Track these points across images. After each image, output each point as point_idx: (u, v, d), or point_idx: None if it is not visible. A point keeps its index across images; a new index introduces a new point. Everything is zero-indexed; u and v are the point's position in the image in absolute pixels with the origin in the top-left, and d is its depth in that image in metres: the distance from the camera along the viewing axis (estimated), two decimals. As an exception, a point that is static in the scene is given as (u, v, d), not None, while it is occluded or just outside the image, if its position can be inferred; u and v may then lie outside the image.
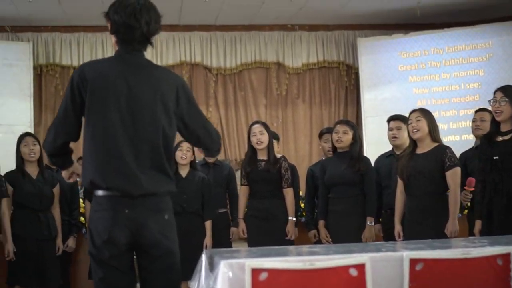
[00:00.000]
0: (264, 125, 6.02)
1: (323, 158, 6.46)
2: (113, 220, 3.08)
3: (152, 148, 3.13)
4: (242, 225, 6.08)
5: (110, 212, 3.09)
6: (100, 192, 3.12)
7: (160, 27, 3.25)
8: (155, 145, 3.13)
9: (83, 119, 3.19)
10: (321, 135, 6.60)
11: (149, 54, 3.33)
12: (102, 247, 3.09)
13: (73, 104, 3.15)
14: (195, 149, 5.89)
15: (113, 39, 3.27)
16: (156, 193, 3.14)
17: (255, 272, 2.73)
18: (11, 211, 5.64)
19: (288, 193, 5.95)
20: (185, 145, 5.90)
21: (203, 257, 3.25)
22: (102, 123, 3.10)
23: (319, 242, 6.09)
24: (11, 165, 5.83)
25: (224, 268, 2.79)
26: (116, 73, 3.14)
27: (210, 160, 6.50)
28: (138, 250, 3.16)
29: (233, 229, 6.46)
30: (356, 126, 6.11)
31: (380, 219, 5.96)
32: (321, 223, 5.88)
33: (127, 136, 3.09)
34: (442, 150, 5.16)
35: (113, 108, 3.09)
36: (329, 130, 6.48)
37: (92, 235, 3.15)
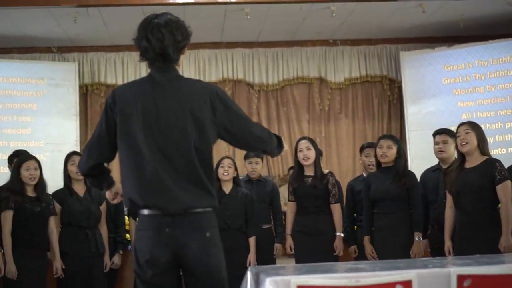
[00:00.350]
0: (311, 140, 6.02)
1: (363, 173, 6.43)
2: (154, 239, 3.08)
3: (187, 164, 3.10)
4: (290, 241, 6.06)
5: (151, 232, 3.10)
6: (143, 211, 3.13)
7: (182, 39, 3.20)
8: (189, 161, 3.11)
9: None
10: (362, 149, 6.57)
11: (192, 71, 3.37)
12: (145, 266, 3.10)
13: (107, 126, 3.20)
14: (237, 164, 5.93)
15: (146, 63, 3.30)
16: (196, 210, 3.11)
17: (301, 289, 2.72)
18: (60, 229, 5.71)
19: (336, 208, 5.92)
20: (227, 161, 5.93)
21: (248, 274, 3.24)
22: (134, 144, 3.12)
23: (359, 258, 6.04)
24: (59, 183, 5.92)
25: (270, 285, 2.78)
26: (144, 93, 3.16)
27: (253, 176, 6.53)
28: (182, 269, 3.16)
29: (277, 245, 6.45)
30: (400, 140, 6.06)
31: (427, 234, 5.88)
32: (366, 238, 5.83)
33: (161, 154, 3.09)
34: (492, 164, 5.07)
35: (142, 129, 3.11)
36: (370, 145, 6.45)
37: (136, 254, 3.16)
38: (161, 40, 3.14)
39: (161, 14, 3.23)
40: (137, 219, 3.22)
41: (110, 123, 3.18)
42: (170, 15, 3.24)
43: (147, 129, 3.11)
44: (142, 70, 10.80)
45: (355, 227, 6.28)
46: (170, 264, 3.11)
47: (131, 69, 10.85)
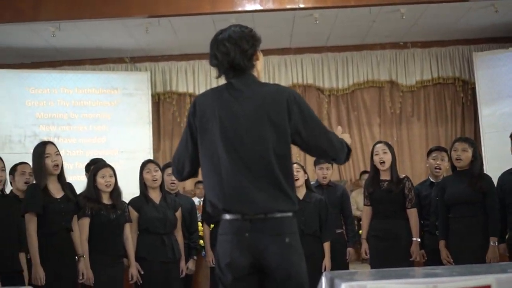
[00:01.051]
0: (387, 144, 5.95)
1: (429, 177, 6.32)
2: (234, 243, 3.11)
3: (266, 169, 3.11)
4: (365, 245, 6.01)
5: (231, 236, 3.13)
6: (224, 216, 3.17)
7: (250, 47, 3.22)
8: (268, 166, 3.12)
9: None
10: (429, 152, 6.44)
11: (262, 77, 3.37)
12: (225, 270, 3.14)
13: (190, 133, 3.27)
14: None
15: None
16: (276, 215, 3.11)
17: (377, 294, 2.69)
18: (137, 236, 5.80)
19: (412, 213, 5.83)
20: (295, 166, 5.93)
21: (323, 280, 3.23)
22: (214, 150, 3.16)
23: (428, 263, 5.94)
24: (133, 191, 6.03)
25: (346, 290, 2.76)
26: (222, 100, 3.21)
27: (324, 182, 6.51)
28: (262, 273, 3.16)
29: (349, 249, 6.41)
30: (475, 143, 5.93)
31: (506, 239, 5.73)
32: (441, 243, 5.72)
33: (240, 159, 3.12)
34: None
35: (221, 135, 3.15)
36: (438, 148, 6.35)
37: (217, 258, 3.21)
38: (227, 54, 3.20)
39: (226, 29, 3.28)
40: (219, 223, 3.25)
41: (192, 130, 3.26)
42: (233, 27, 3.28)
43: (225, 135, 3.15)
44: (212, 79, 10.93)
45: (422, 232, 6.18)
46: (250, 269, 3.12)
47: (201, 77, 11.00)
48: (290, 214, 3.14)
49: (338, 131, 3.50)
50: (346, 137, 3.46)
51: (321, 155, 3.40)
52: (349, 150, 3.39)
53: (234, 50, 3.19)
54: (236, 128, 3.14)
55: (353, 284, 2.78)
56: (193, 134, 3.25)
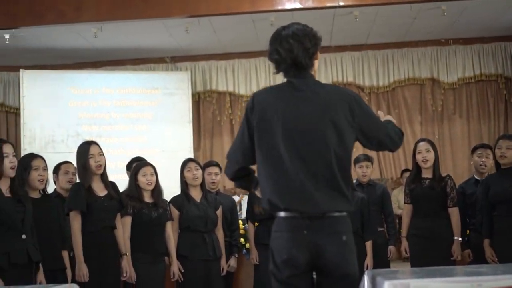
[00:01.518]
0: (430, 142, 5.89)
1: (474, 175, 6.24)
2: (292, 241, 3.14)
3: (326, 169, 3.14)
4: (405, 243, 5.97)
5: (289, 233, 3.15)
6: (280, 214, 3.19)
7: (312, 46, 3.26)
8: (328, 166, 3.14)
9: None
10: (474, 150, 6.35)
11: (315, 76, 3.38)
12: (282, 266, 3.16)
13: (248, 130, 3.28)
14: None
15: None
16: (334, 214, 3.14)
17: (420, 293, 2.67)
18: (178, 234, 5.84)
19: (454, 212, 5.76)
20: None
21: (365, 278, 3.23)
22: (274, 148, 3.18)
23: (473, 262, 5.86)
24: (174, 190, 6.06)
25: (389, 289, 2.75)
26: (284, 99, 3.23)
27: (364, 180, 6.49)
28: (317, 271, 3.19)
29: (390, 247, 6.37)
30: (520, 140, 5.83)
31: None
32: (486, 241, 5.65)
33: (301, 159, 3.14)
34: None
35: (283, 133, 3.17)
36: (483, 145, 6.26)
37: (272, 255, 3.22)
38: (291, 50, 3.21)
39: (289, 26, 3.30)
40: (263, 222, 3.27)
41: (250, 125, 3.27)
42: (297, 25, 3.30)
43: (287, 134, 3.17)
44: (252, 77, 10.97)
45: (468, 231, 6.10)
46: (306, 266, 3.15)
47: (241, 76, 11.03)
48: (345, 213, 3.18)
49: (380, 115, 3.53)
50: (390, 119, 3.53)
51: (383, 148, 3.43)
52: (402, 134, 3.44)
53: (298, 47, 3.21)
54: (298, 128, 3.16)
55: (395, 282, 2.77)
56: (250, 129, 3.27)
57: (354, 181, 6.45)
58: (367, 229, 6.00)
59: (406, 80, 10.90)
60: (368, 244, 5.98)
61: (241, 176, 3.43)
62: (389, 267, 6.24)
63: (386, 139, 3.32)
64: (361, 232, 5.95)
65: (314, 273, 3.23)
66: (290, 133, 3.16)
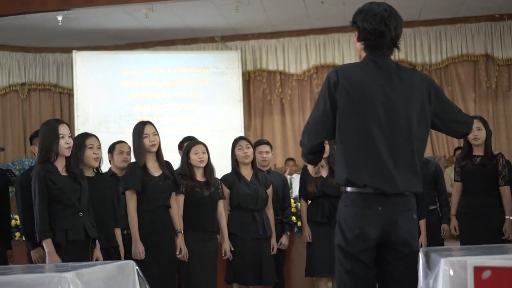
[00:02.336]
0: (482, 120, 5.78)
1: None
2: (366, 216, 3.18)
3: (407, 149, 3.19)
4: (454, 222, 5.90)
5: (362, 209, 3.19)
6: (351, 189, 3.23)
7: (401, 31, 3.29)
8: (408, 147, 3.19)
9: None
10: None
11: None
12: (352, 241, 3.20)
13: (331, 104, 3.27)
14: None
15: (358, 45, 3.35)
16: (406, 192, 3.20)
17: (478, 270, 2.63)
18: (228, 212, 5.87)
19: (505, 191, 5.66)
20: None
21: (421, 256, 3.20)
22: (359, 126, 3.20)
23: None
24: (225, 169, 6.08)
25: (445, 266, 2.72)
26: (370, 78, 3.23)
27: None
28: (385, 247, 3.22)
29: (444, 226, 6.29)
30: None
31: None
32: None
33: (384, 139, 3.17)
34: None
35: (369, 112, 3.19)
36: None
37: (342, 229, 3.25)
38: (396, 29, 3.24)
39: (381, 3, 3.30)
40: (343, 195, 3.28)
41: (333, 101, 3.26)
42: (386, 5, 3.30)
43: (373, 111, 3.19)
44: (302, 55, 10.92)
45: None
46: (376, 241, 3.20)
47: (291, 54, 10.99)
48: (413, 193, 3.25)
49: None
50: None
51: (458, 133, 3.49)
52: (472, 120, 3.50)
53: (400, 28, 3.26)
54: (385, 110, 3.19)
55: (452, 259, 2.73)
56: (332, 104, 3.26)
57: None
58: (420, 208, 5.91)
59: (459, 56, 10.72)
60: (421, 223, 5.91)
61: (316, 151, 3.45)
62: (442, 245, 6.17)
63: (461, 124, 3.37)
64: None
65: None
66: (375, 111, 3.18)
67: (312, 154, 3.46)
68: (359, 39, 3.30)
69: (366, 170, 3.16)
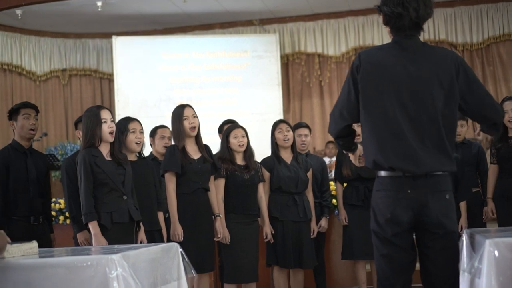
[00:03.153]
0: (518, 100, 5.70)
1: None
2: (396, 200, 3.17)
3: (433, 129, 3.17)
4: (491, 204, 5.83)
5: (393, 193, 3.19)
6: (383, 173, 3.23)
7: (431, 11, 3.27)
8: (435, 126, 3.17)
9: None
10: None
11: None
12: (385, 225, 3.20)
13: (354, 88, 3.29)
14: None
15: (387, 29, 3.37)
16: (437, 173, 3.17)
17: (523, 251, 2.62)
18: (269, 195, 5.88)
19: (544, 172, 5.58)
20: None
21: (464, 237, 3.20)
22: (382, 106, 3.20)
23: None
24: (264, 152, 6.09)
25: (490, 247, 2.71)
26: (393, 58, 3.24)
27: (458, 139, 6.31)
28: (419, 229, 3.22)
29: (486, 208, 6.22)
30: None
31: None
32: None
33: (408, 118, 3.17)
34: None
35: (393, 92, 3.19)
36: None
37: (375, 214, 3.27)
38: (417, 10, 3.22)
39: None
40: (375, 180, 3.29)
41: (356, 85, 3.29)
42: None
43: (396, 92, 3.19)
44: (341, 38, 10.86)
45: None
46: (409, 224, 3.19)
47: (330, 36, 10.93)
48: (447, 173, 3.21)
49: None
50: None
51: (485, 119, 3.38)
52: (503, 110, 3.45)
53: (423, 8, 3.23)
54: (408, 89, 3.19)
55: (497, 241, 2.72)
56: (356, 88, 3.28)
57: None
58: (461, 190, 5.88)
59: (501, 36, 10.54)
60: (462, 205, 5.87)
61: (344, 136, 3.44)
62: (485, 227, 6.11)
63: (488, 109, 3.28)
64: (454, 193, 5.83)
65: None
66: (398, 92, 3.18)
67: (340, 138, 3.47)
68: (384, 23, 3.32)
69: (391, 152, 3.16)
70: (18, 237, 4.46)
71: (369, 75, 3.22)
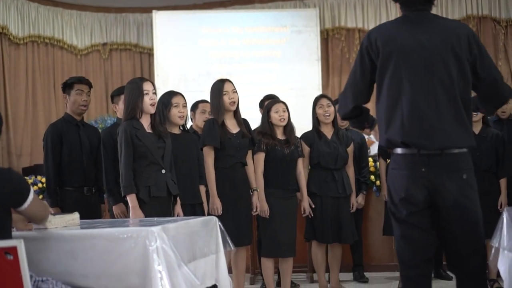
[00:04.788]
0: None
1: None
2: (410, 178, 3.12)
3: (449, 101, 3.10)
4: None
5: (407, 171, 3.13)
6: (398, 150, 3.18)
7: None
8: (452, 98, 3.11)
9: (375, 84, 3.30)
10: None
11: (434, 10, 3.30)
12: (399, 204, 3.16)
13: (362, 68, 3.26)
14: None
15: (397, 5, 3.32)
16: (453, 151, 3.09)
17: None
18: (308, 170, 5.88)
19: None
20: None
21: (505, 216, 3.16)
22: (396, 82, 3.15)
23: None
24: (303, 127, 6.08)
25: (531, 225, 2.68)
26: (404, 33, 3.18)
27: (503, 116, 6.22)
28: (436, 209, 3.15)
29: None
30: None
31: None
32: None
33: (423, 92, 3.11)
34: None
35: (404, 65, 3.14)
36: None
37: (390, 194, 3.23)
38: None
39: None
40: (390, 158, 3.26)
41: (365, 64, 3.25)
42: None
43: (410, 67, 3.14)
44: (382, 13, 10.73)
45: None
46: (424, 204, 3.13)
47: (371, 11, 10.82)
48: (465, 150, 3.12)
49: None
50: None
51: (494, 98, 3.32)
52: None
53: None
54: (421, 60, 3.13)
55: (539, 219, 2.68)
56: (364, 67, 3.25)
57: (493, 117, 6.21)
58: (502, 167, 5.81)
59: (547, 11, 10.33)
60: (503, 182, 5.80)
61: (354, 116, 3.41)
62: (526, 206, 6.05)
63: (496, 86, 3.21)
64: (495, 170, 5.77)
65: None
66: (412, 65, 3.13)
67: (350, 119, 3.48)
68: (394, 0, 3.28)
69: (405, 127, 3.10)
70: (71, 207, 4.59)
71: (381, 52, 3.18)
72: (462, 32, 3.17)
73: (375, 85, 3.30)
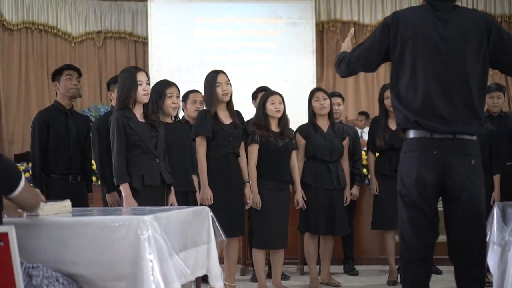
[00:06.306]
0: None
1: None
2: (422, 160, 3.19)
3: (463, 89, 3.18)
4: None
5: (419, 153, 3.20)
6: (411, 134, 3.25)
7: None
8: (465, 86, 3.18)
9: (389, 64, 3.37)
10: None
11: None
12: (410, 186, 3.22)
13: (379, 42, 3.32)
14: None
15: None
16: (464, 137, 3.17)
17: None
18: (303, 162, 5.89)
19: None
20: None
21: (495, 210, 3.18)
22: (410, 67, 3.23)
23: None
24: (297, 119, 6.08)
25: (522, 220, 2.69)
26: (425, 17, 3.26)
27: (495, 111, 6.23)
28: (444, 194, 3.23)
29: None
30: None
31: None
32: None
33: (438, 78, 3.18)
34: None
35: (422, 51, 3.20)
36: None
37: (401, 175, 3.29)
38: None
39: None
40: (404, 143, 3.30)
41: (383, 41, 3.32)
42: None
43: (426, 52, 3.21)
44: (378, 6, 10.73)
45: None
46: (434, 187, 3.19)
47: (366, 4, 10.82)
48: (475, 138, 3.21)
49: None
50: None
51: None
52: None
53: None
54: (440, 48, 3.20)
55: (530, 214, 2.69)
56: (382, 45, 3.32)
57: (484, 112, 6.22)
58: (495, 163, 5.83)
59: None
60: (496, 178, 5.82)
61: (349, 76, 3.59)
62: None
63: None
64: (489, 165, 5.79)
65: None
66: (429, 51, 3.20)
67: (346, 76, 3.61)
68: None
69: (418, 111, 3.17)
70: (55, 195, 4.58)
71: (401, 34, 3.24)
72: (481, 20, 3.25)
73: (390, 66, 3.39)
